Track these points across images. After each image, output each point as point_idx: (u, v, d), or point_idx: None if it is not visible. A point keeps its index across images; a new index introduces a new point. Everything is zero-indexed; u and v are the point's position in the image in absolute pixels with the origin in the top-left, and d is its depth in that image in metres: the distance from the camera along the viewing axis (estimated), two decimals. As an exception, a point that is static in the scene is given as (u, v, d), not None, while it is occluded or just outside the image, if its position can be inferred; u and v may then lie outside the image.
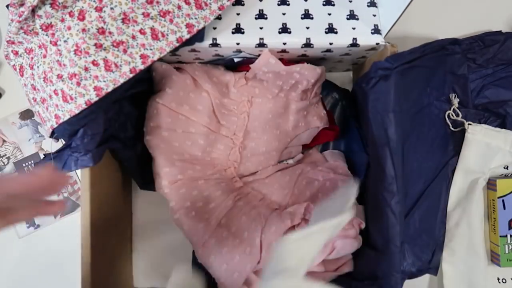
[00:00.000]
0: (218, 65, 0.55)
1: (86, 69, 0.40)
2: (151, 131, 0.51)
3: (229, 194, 0.52)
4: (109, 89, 0.41)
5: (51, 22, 0.41)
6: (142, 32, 0.42)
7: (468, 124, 0.50)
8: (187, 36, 0.44)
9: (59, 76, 0.41)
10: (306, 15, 0.49)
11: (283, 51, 0.50)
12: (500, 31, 0.54)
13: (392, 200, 0.45)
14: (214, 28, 0.47)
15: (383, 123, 0.44)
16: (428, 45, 0.46)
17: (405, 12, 0.45)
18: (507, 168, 0.52)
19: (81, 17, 0.40)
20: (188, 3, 0.44)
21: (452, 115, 0.50)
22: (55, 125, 0.43)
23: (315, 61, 0.54)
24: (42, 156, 0.64)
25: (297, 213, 0.50)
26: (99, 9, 0.40)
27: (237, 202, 0.52)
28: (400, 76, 0.44)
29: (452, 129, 0.50)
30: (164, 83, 0.51)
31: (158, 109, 0.50)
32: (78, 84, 0.40)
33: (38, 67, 0.44)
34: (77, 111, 0.41)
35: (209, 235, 0.50)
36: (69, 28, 0.40)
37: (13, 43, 0.45)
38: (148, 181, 0.53)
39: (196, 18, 0.44)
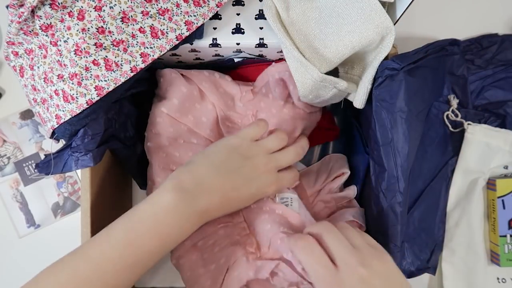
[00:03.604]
0: (220, 67, 0.55)
1: (86, 68, 0.40)
2: (153, 138, 0.50)
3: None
4: (110, 88, 0.41)
5: (50, 23, 0.41)
6: (141, 30, 0.42)
7: (468, 124, 0.50)
8: (186, 34, 0.44)
9: (60, 76, 0.41)
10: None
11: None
12: (497, 33, 0.55)
13: (393, 199, 0.45)
14: (214, 28, 0.47)
15: (388, 122, 0.45)
16: (431, 45, 0.46)
17: (405, 13, 0.45)
18: (507, 168, 0.52)
19: (81, 16, 0.40)
20: (186, 1, 0.44)
21: (451, 116, 0.50)
22: (56, 125, 0.43)
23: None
24: (42, 156, 0.64)
25: (265, 268, 0.47)
26: (98, 9, 0.40)
27: (219, 230, 0.49)
28: (408, 76, 0.44)
29: (452, 129, 0.50)
30: (171, 91, 0.50)
31: (163, 118, 0.50)
32: (79, 84, 0.41)
33: (38, 67, 0.44)
34: (78, 111, 0.41)
35: (180, 254, 0.48)
36: (68, 28, 0.40)
37: (13, 44, 0.45)
38: (148, 181, 0.53)
39: (195, 16, 0.44)
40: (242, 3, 0.48)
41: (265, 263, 0.47)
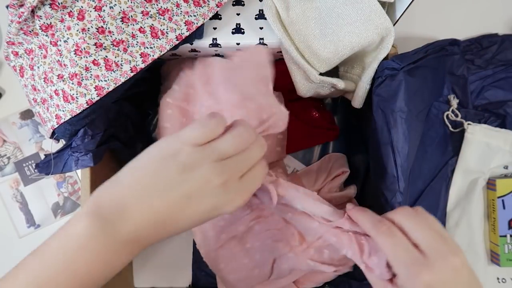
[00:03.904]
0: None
1: (86, 68, 0.40)
2: (164, 133, 0.50)
3: (247, 210, 0.49)
4: (110, 88, 0.41)
5: (50, 23, 0.41)
6: (141, 30, 0.42)
7: (468, 124, 0.50)
8: (186, 34, 0.44)
9: (60, 76, 0.41)
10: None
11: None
12: (497, 33, 0.55)
13: (393, 199, 0.45)
14: (214, 28, 0.47)
15: (388, 122, 0.45)
16: (431, 45, 0.46)
17: (405, 13, 0.45)
18: (507, 168, 0.52)
19: (81, 16, 0.40)
20: (186, 1, 0.44)
21: (451, 116, 0.50)
22: (56, 125, 0.43)
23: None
24: (42, 156, 0.64)
25: (320, 269, 0.47)
26: (98, 9, 0.40)
27: (254, 226, 0.49)
28: (408, 76, 0.44)
29: (452, 129, 0.50)
30: (170, 80, 0.50)
31: (171, 109, 0.49)
32: (79, 84, 0.41)
33: (38, 67, 0.44)
34: (78, 111, 0.41)
35: (220, 245, 0.49)
36: (68, 28, 0.40)
37: (13, 44, 0.45)
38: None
39: (195, 16, 0.44)
40: (242, 3, 0.48)
41: (319, 265, 0.47)
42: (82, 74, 0.41)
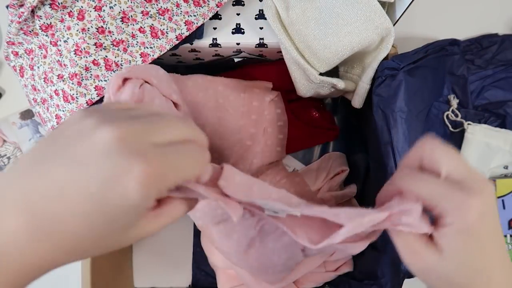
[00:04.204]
0: (220, 67, 0.55)
1: (86, 68, 0.40)
2: None
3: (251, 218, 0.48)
4: (110, 89, 0.41)
5: (50, 23, 0.41)
6: (141, 30, 0.42)
7: (468, 124, 0.50)
8: (186, 33, 0.44)
9: (60, 76, 0.41)
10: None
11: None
12: (497, 33, 0.55)
13: (392, 199, 0.45)
14: (214, 28, 0.47)
15: (388, 122, 0.45)
16: (431, 45, 0.47)
17: (405, 13, 0.45)
18: (507, 168, 0.52)
19: (81, 16, 0.40)
20: (186, 1, 0.44)
21: (451, 116, 0.50)
22: (56, 125, 0.43)
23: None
24: (42, 157, 0.64)
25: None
26: (98, 9, 0.40)
27: (264, 225, 0.47)
28: (408, 76, 0.44)
29: (452, 129, 0.50)
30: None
31: None
32: (79, 84, 0.41)
33: (38, 67, 0.44)
34: (77, 111, 0.41)
35: (247, 245, 0.48)
36: (68, 28, 0.40)
37: (13, 44, 0.45)
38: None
39: (195, 16, 0.44)
40: (242, 3, 0.48)
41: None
42: (82, 74, 0.41)
